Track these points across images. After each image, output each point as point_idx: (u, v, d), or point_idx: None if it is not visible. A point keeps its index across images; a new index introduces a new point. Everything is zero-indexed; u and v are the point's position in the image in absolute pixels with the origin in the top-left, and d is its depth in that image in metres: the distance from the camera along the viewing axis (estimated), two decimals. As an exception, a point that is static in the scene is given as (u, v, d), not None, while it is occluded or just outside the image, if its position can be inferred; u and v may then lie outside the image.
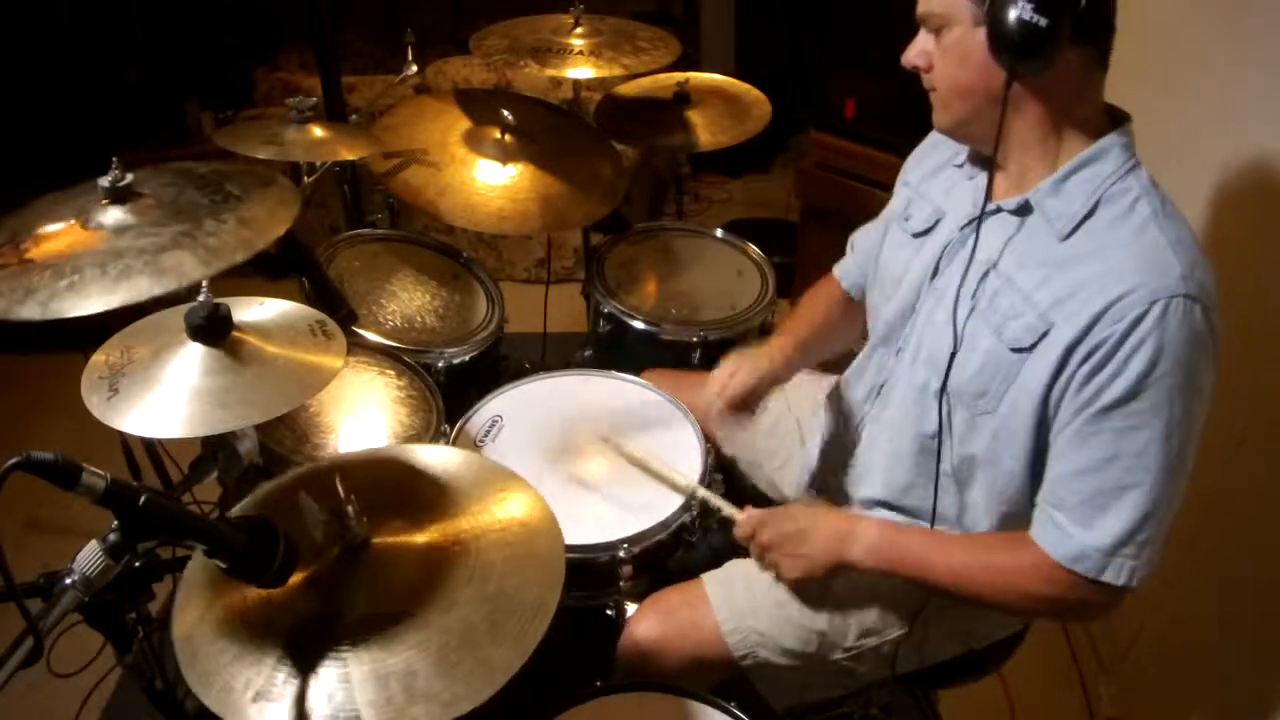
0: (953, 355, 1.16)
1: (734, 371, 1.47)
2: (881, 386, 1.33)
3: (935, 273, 1.23)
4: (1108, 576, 1.07)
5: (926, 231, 1.27)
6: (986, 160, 1.18)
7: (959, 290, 1.16)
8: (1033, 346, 1.08)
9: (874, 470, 1.33)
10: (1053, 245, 1.09)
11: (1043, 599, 1.13)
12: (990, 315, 1.13)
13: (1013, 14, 1.01)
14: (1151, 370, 1.00)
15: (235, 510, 1.13)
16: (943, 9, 1.09)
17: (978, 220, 1.17)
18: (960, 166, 1.25)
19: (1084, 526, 1.07)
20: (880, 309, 1.35)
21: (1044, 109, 1.08)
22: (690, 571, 1.41)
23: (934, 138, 1.36)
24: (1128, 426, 1.03)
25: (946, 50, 1.10)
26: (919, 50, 1.15)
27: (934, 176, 1.31)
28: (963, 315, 1.16)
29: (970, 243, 1.17)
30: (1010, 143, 1.12)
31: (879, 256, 1.39)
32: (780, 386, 1.52)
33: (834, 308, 1.54)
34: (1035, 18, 1.00)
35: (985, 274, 1.15)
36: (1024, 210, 1.12)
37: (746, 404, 1.48)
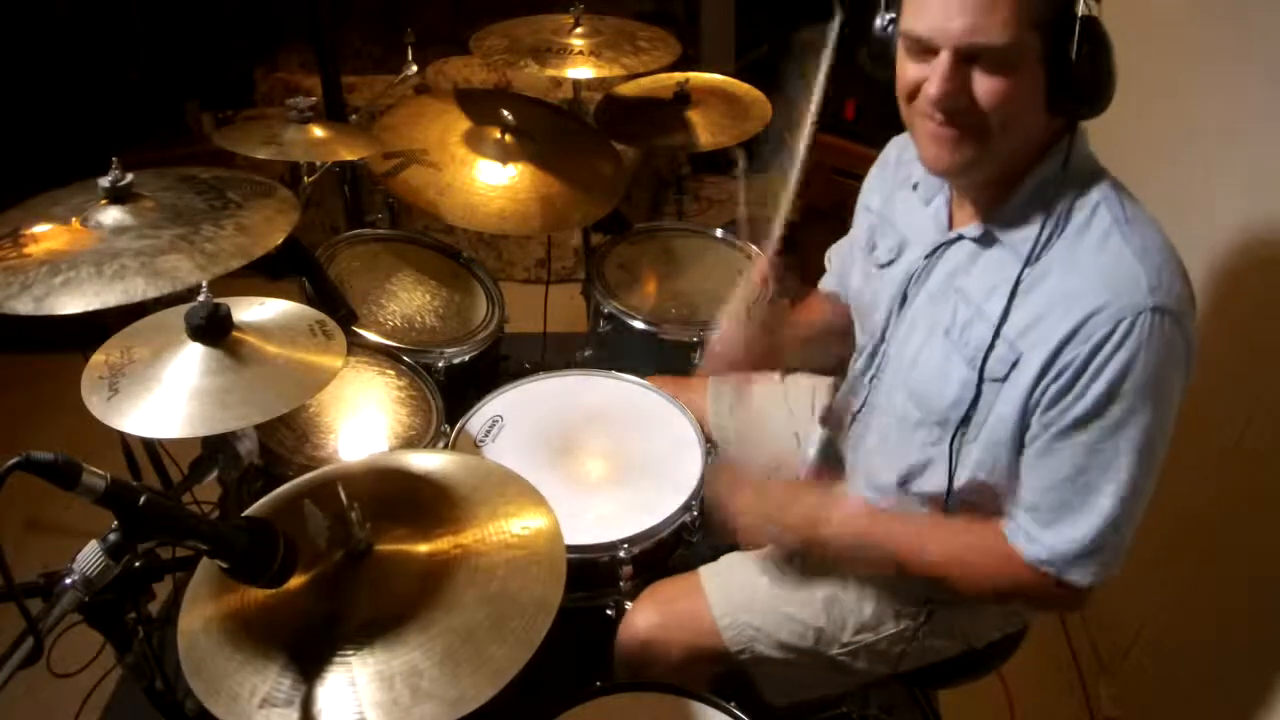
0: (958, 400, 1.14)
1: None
2: (860, 413, 1.32)
3: (904, 301, 1.22)
4: (1072, 578, 1.08)
5: (891, 262, 1.26)
6: (942, 184, 1.17)
7: (928, 320, 1.16)
8: (1005, 376, 1.07)
9: (865, 495, 1.32)
10: (1016, 269, 1.06)
11: (1007, 592, 1.16)
12: (962, 347, 1.11)
13: (1102, 69, 0.97)
14: (1118, 386, 1.00)
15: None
16: (1014, 45, 0.95)
17: (940, 249, 1.16)
18: (915, 189, 1.22)
19: (1052, 532, 1.08)
20: (856, 338, 1.35)
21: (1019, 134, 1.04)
22: (690, 570, 1.41)
23: (886, 158, 1.34)
24: (1095, 439, 1.03)
25: (1018, 88, 0.97)
26: (958, 86, 0.98)
27: (893, 199, 1.29)
28: (935, 347, 1.15)
29: (933, 272, 1.17)
30: (1003, 168, 1.09)
31: (850, 286, 1.37)
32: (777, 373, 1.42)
33: (830, 306, 1.50)
34: (1106, 66, 0.97)
35: (954, 304, 1.13)
36: (986, 239, 1.11)
37: (768, 323, 1.35)
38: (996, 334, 1.07)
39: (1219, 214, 1.54)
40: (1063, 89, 0.98)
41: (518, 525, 1.08)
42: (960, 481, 1.18)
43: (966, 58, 0.98)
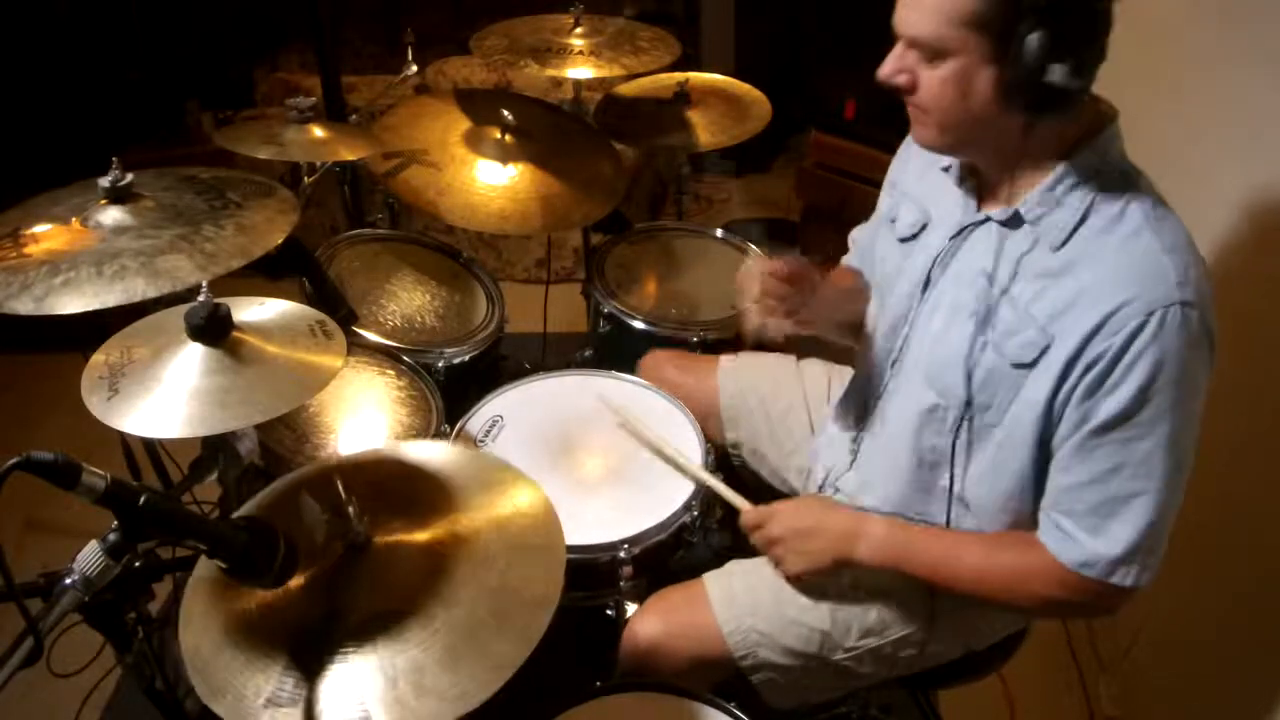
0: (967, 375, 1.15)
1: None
2: (878, 399, 1.32)
3: (927, 284, 1.22)
4: (1116, 579, 1.08)
5: (913, 237, 1.26)
6: (974, 168, 1.17)
7: (954, 304, 1.16)
8: (1034, 362, 1.08)
9: (875, 483, 1.32)
10: (1046, 255, 1.08)
11: (1050, 600, 1.13)
12: (989, 330, 1.12)
13: (1046, 76, 0.98)
14: (1152, 382, 1.00)
15: (237, 513, 1.13)
16: (937, 39, 1.02)
17: (966, 230, 1.16)
18: (946, 170, 1.23)
19: (1092, 534, 1.07)
20: (874, 316, 1.35)
21: (1037, 127, 1.06)
22: (692, 571, 1.40)
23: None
24: (1131, 437, 1.03)
25: (944, 80, 1.04)
26: (899, 68, 1.08)
27: (921, 178, 1.29)
28: (957, 330, 1.15)
29: (958, 254, 1.17)
30: (1001, 156, 1.11)
31: (873, 259, 1.38)
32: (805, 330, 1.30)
33: (856, 277, 1.48)
34: (1071, 81, 0.98)
35: (979, 286, 1.13)
36: (1014, 221, 1.11)
37: (799, 280, 1.28)
38: (1024, 318, 1.08)
39: (1219, 215, 1.54)
40: (1013, 90, 1.01)
41: (517, 518, 1.08)
42: (972, 473, 1.18)
43: (910, 46, 1.06)
